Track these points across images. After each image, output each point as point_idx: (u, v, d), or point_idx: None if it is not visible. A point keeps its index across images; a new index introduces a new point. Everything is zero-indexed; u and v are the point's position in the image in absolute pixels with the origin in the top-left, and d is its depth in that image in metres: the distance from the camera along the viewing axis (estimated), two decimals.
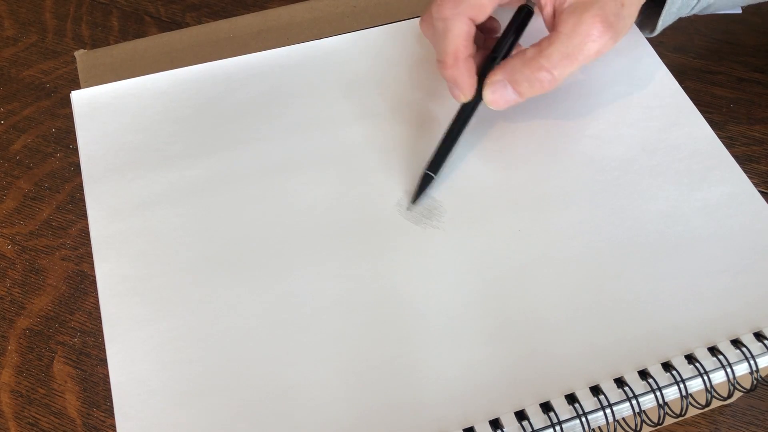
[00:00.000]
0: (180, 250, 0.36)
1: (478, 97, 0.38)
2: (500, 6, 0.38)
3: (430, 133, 0.40)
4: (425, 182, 0.37)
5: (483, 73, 0.38)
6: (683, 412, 0.32)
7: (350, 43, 0.44)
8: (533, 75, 0.36)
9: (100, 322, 0.34)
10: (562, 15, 0.36)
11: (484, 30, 0.41)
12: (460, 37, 0.37)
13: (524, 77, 0.36)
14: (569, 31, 0.35)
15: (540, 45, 0.36)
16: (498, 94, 0.37)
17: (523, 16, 0.39)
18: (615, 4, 0.36)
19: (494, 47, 0.39)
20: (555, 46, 0.35)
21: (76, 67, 0.44)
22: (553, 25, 0.37)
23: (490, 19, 0.40)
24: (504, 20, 0.40)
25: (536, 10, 0.39)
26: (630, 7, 0.36)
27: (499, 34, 0.40)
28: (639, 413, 0.31)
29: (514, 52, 0.39)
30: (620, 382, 0.31)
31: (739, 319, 0.33)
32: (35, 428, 0.42)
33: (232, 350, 0.33)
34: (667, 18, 0.42)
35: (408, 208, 0.37)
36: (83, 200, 0.38)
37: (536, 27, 0.39)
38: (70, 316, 0.46)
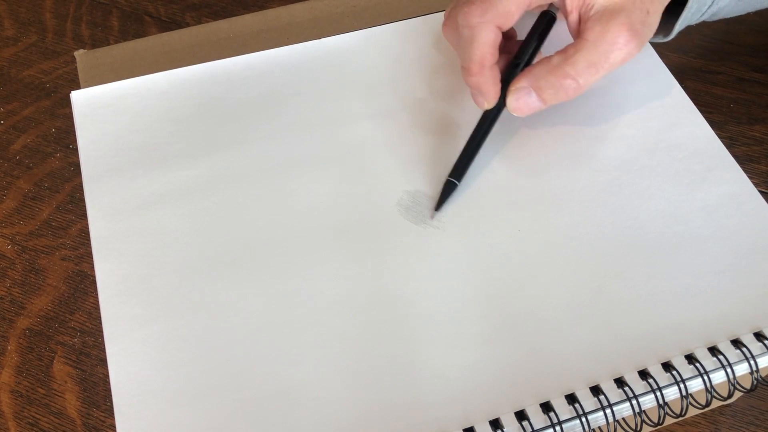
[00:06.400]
0: (180, 250, 0.36)
1: (501, 104, 0.37)
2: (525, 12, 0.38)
3: (430, 132, 0.40)
4: (448, 189, 0.37)
5: (505, 80, 0.37)
6: (683, 412, 0.32)
7: (350, 43, 0.44)
8: (558, 82, 0.35)
9: (100, 322, 0.34)
10: (588, 22, 0.35)
11: (504, 35, 0.41)
12: (486, 44, 0.36)
13: (549, 84, 0.36)
14: (595, 39, 0.35)
15: (566, 52, 0.36)
16: (522, 101, 0.36)
17: (546, 23, 0.39)
18: (641, 13, 0.35)
19: (517, 53, 0.38)
20: (581, 53, 0.35)
21: (76, 67, 0.44)
22: (578, 32, 0.37)
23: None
24: (527, 25, 0.39)
25: (559, 16, 0.39)
26: (654, 15, 0.36)
27: (518, 39, 0.39)
28: (639, 413, 0.31)
29: (535, 59, 0.38)
30: (620, 382, 0.31)
31: (739, 319, 0.33)
32: (35, 428, 0.42)
33: (232, 350, 0.33)
34: (683, 23, 0.42)
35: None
36: (83, 200, 0.38)
37: (557, 34, 0.39)
38: (70, 316, 0.46)
